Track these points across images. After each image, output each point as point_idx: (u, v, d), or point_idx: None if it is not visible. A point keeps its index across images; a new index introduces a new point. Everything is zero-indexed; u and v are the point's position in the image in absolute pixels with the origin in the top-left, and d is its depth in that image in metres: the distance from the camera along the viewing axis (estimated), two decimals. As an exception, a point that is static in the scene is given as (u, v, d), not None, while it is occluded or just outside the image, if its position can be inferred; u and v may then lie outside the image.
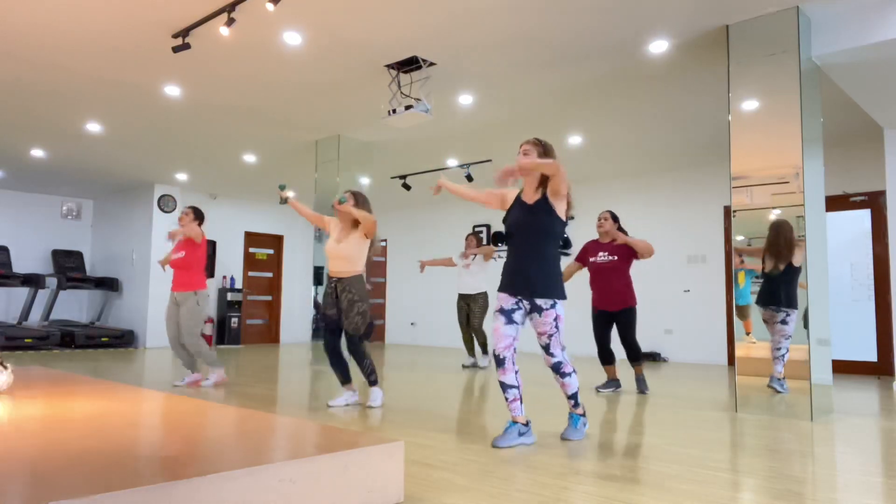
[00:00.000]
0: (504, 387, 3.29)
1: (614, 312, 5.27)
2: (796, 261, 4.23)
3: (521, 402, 3.30)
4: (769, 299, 4.34)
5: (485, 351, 7.52)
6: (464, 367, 7.55)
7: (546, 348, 3.32)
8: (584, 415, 3.48)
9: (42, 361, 7.66)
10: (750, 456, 3.09)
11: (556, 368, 3.34)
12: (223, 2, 4.40)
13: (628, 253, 5.21)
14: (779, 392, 4.21)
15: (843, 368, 7.39)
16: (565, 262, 5.44)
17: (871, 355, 7.25)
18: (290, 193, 4.60)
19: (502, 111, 6.60)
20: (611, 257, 5.22)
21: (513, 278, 3.30)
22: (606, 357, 5.35)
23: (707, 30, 4.70)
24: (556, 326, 3.28)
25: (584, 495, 2.38)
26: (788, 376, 4.21)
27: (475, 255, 7.47)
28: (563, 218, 3.32)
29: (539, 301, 3.26)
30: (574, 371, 3.39)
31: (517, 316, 3.30)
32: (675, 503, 2.30)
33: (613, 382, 5.41)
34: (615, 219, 5.34)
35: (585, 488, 2.47)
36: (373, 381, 4.45)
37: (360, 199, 4.48)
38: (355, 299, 4.27)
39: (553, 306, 3.27)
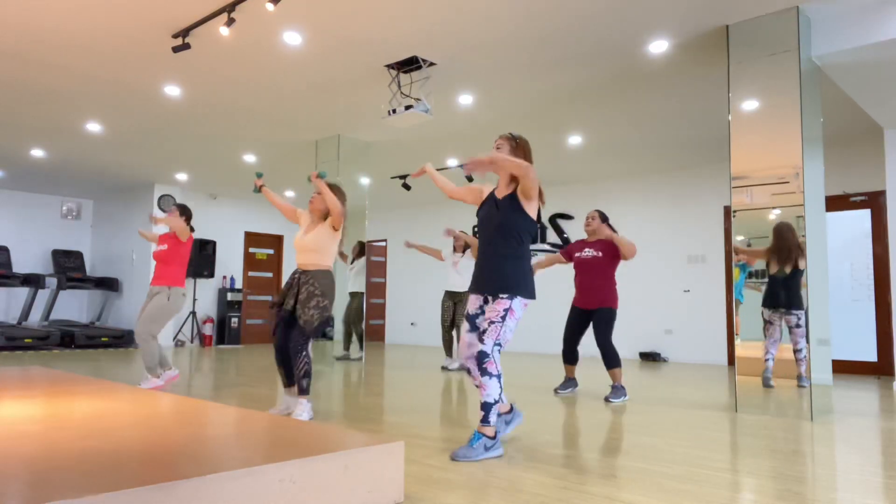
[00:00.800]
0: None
1: (590, 311, 5.10)
2: (803, 264, 4.22)
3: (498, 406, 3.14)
4: (776, 301, 4.33)
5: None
6: (443, 368, 7.30)
7: (478, 334, 3.07)
8: (493, 437, 2.98)
9: (42, 361, 7.66)
10: (750, 456, 3.09)
11: (480, 360, 2.99)
12: (223, 2, 4.40)
13: (614, 252, 5.07)
14: (803, 386, 4.18)
15: (843, 368, 7.39)
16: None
17: (871, 355, 7.25)
18: (262, 182, 4.35)
19: (502, 111, 6.61)
20: (595, 253, 5.11)
21: (477, 275, 3.16)
22: (569, 356, 5.22)
23: (707, 30, 4.70)
24: (503, 318, 3.01)
25: (584, 495, 2.38)
26: (788, 376, 4.22)
27: (463, 252, 7.36)
28: (534, 216, 3.14)
29: (500, 295, 3.07)
30: (498, 377, 3.01)
31: (480, 321, 3.13)
32: (675, 503, 2.30)
33: (571, 382, 5.31)
34: (604, 218, 5.28)
35: (585, 488, 2.47)
36: (304, 388, 3.85)
37: (335, 191, 4.05)
38: (315, 293, 3.91)
39: (509, 298, 3.04)
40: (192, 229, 5.30)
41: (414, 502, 2.27)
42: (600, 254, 5.10)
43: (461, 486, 2.49)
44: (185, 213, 5.27)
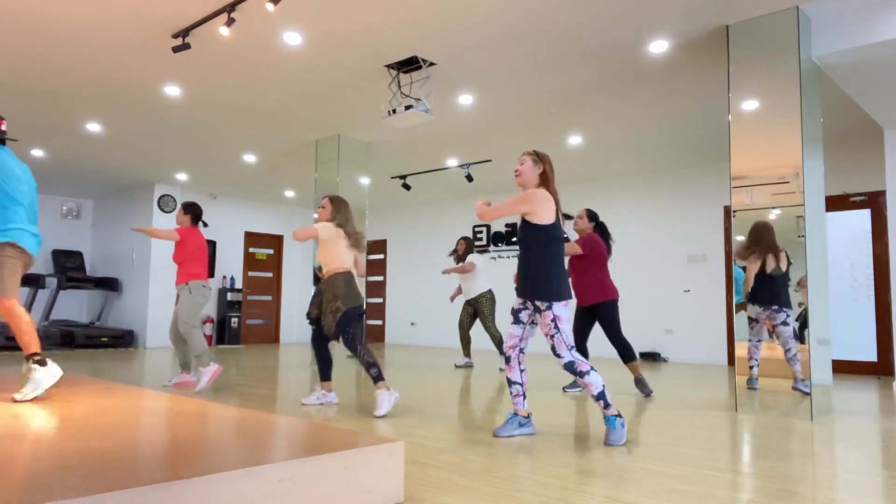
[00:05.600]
0: (509, 382, 3.51)
1: (590, 307, 5.17)
2: (784, 262, 4.28)
3: (524, 398, 3.51)
4: (772, 299, 4.33)
5: (501, 352, 7.23)
6: (456, 366, 7.50)
7: (552, 350, 3.35)
8: (619, 415, 3.33)
9: (42, 361, 7.65)
10: (750, 456, 3.09)
11: (570, 369, 3.32)
12: (223, 2, 4.40)
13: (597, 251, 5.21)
14: (806, 394, 4.12)
15: (843, 368, 7.39)
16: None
17: (871, 355, 7.25)
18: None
19: (502, 111, 6.61)
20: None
21: (517, 283, 3.50)
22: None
23: (707, 30, 4.70)
24: (556, 327, 3.31)
25: (584, 495, 2.38)
26: (788, 376, 4.21)
27: (460, 264, 7.37)
28: (542, 222, 3.38)
29: (536, 303, 3.39)
30: (593, 369, 3.33)
31: (524, 315, 3.45)
32: (675, 503, 2.30)
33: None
34: (592, 216, 5.31)
35: (585, 488, 2.47)
36: (375, 376, 4.07)
37: (336, 204, 4.44)
38: (329, 299, 4.26)
39: (549, 308, 3.33)
40: (204, 224, 5.65)
41: (414, 502, 2.27)
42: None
43: (461, 486, 2.49)
44: (190, 210, 5.55)
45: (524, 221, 3.44)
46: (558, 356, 3.33)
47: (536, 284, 3.35)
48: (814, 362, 4.16)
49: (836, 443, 3.45)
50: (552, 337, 3.33)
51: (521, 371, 3.47)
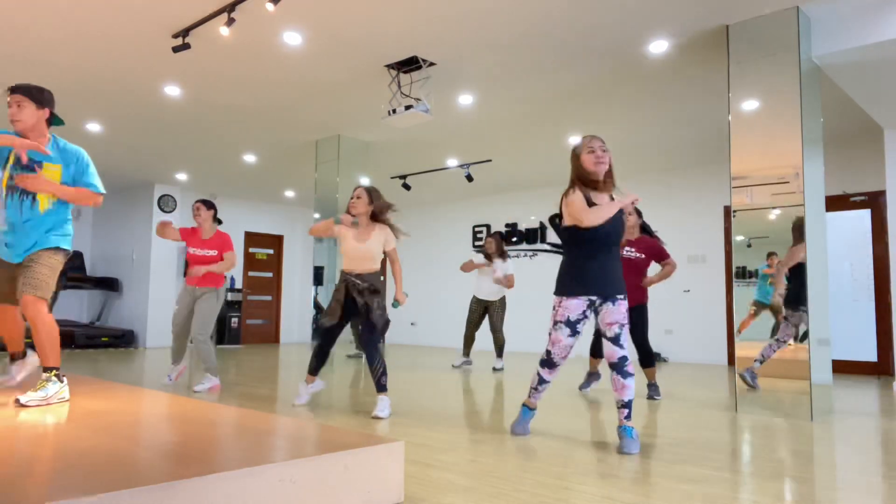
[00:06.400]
0: (542, 381, 3.48)
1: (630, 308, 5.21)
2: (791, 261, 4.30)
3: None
4: (800, 299, 4.30)
5: (500, 354, 7.28)
6: (454, 366, 7.43)
7: (614, 340, 3.27)
8: (634, 427, 3.29)
9: (42, 361, 7.65)
10: (750, 456, 3.09)
11: (622, 363, 3.24)
12: (223, 2, 4.40)
13: (653, 251, 5.21)
14: (751, 386, 4.34)
15: (843, 368, 7.39)
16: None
17: (871, 355, 7.25)
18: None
19: (502, 111, 6.61)
20: (634, 252, 5.26)
21: (596, 280, 3.35)
22: (597, 350, 5.33)
23: (707, 30, 4.70)
24: (626, 319, 3.31)
25: (584, 495, 2.38)
26: (788, 376, 4.21)
27: (493, 260, 7.22)
28: (566, 223, 3.38)
29: (618, 297, 3.34)
30: (633, 374, 3.28)
31: (581, 326, 3.34)
32: (675, 503, 2.30)
33: (593, 376, 5.40)
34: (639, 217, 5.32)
35: (585, 488, 2.47)
36: (382, 386, 4.18)
37: (373, 195, 4.28)
38: (372, 291, 4.29)
39: (625, 298, 3.34)
40: (219, 221, 5.48)
41: (414, 502, 2.27)
42: (644, 256, 5.11)
43: (461, 486, 2.49)
44: (213, 207, 5.41)
45: (554, 224, 3.42)
46: (620, 346, 3.26)
47: (620, 279, 3.34)
48: (814, 362, 4.16)
49: (836, 443, 3.45)
50: (622, 325, 3.27)
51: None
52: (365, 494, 2.14)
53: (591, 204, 3.28)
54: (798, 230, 4.28)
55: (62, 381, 3.24)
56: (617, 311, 3.28)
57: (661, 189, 9.09)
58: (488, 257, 7.25)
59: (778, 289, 4.38)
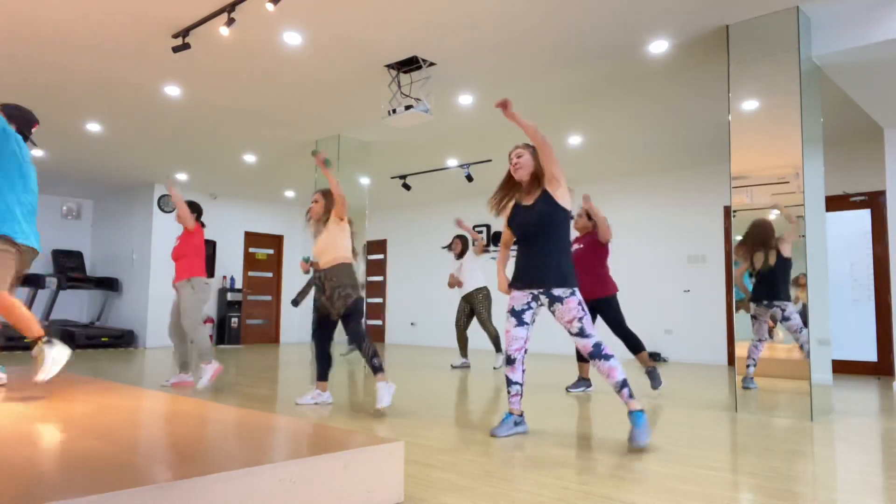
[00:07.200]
0: (510, 382, 3.52)
1: (590, 303, 5.19)
2: (786, 251, 4.23)
3: (521, 398, 3.55)
4: (769, 294, 4.31)
5: (498, 349, 7.26)
6: (453, 367, 7.46)
7: (579, 333, 3.31)
8: (643, 409, 3.25)
9: (42, 361, 7.64)
10: (750, 456, 3.09)
11: (597, 350, 3.27)
12: (223, 2, 4.40)
13: (595, 243, 5.21)
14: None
15: (843, 368, 7.39)
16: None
17: (871, 355, 7.25)
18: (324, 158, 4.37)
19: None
20: (578, 246, 5.30)
21: (526, 273, 3.44)
22: (580, 354, 5.32)
23: (707, 30, 4.70)
24: (583, 309, 3.34)
25: (584, 495, 2.38)
26: (788, 376, 4.21)
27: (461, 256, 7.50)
28: (567, 206, 3.42)
29: (556, 292, 3.36)
30: (614, 356, 3.28)
31: (527, 316, 3.45)
32: (675, 503, 2.30)
33: (583, 382, 5.38)
34: (591, 216, 5.34)
35: (585, 488, 2.47)
36: (378, 366, 4.14)
37: (329, 198, 4.43)
38: (335, 285, 4.26)
39: (573, 293, 3.35)
40: (202, 224, 5.64)
41: (414, 502, 2.27)
42: (582, 246, 5.25)
43: (461, 486, 2.49)
44: (195, 209, 5.61)
45: (550, 204, 3.38)
46: (587, 336, 3.29)
47: (562, 271, 3.35)
48: (814, 362, 4.16)
49: (836, 443, 3.45)
50: (581, 319, 3.31)
51: (522, 371, 3.53)
52: (365, 494, 2.14)
53: (519, 206, 3.52)
54: (746, 233, 4.34)
55: (52, 342, 3.29)
56: (568, 309, 3.33)
57: (661, 189, 9.10)
58: (459, 257, 7.54)
59: (739, 288, 4.44)
